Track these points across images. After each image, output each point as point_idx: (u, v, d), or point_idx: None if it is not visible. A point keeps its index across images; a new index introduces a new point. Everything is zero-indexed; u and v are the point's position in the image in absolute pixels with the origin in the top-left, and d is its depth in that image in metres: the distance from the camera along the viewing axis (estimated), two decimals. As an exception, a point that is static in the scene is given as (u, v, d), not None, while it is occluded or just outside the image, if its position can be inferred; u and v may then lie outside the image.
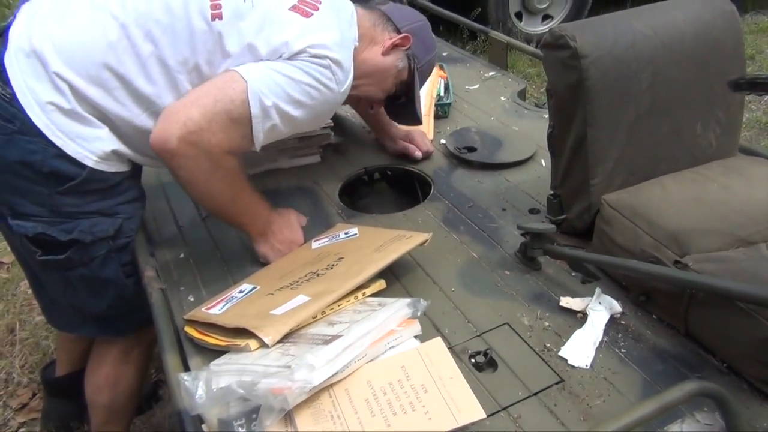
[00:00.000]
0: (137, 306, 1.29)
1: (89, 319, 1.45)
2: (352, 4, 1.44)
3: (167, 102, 1.25)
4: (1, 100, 1.21)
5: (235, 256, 1.40)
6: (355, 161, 1.76)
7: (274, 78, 1.22)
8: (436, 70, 1.99)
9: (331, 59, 1.25)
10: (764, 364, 1.00)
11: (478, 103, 2.02)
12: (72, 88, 1.21)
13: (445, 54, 2.39)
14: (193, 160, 1.19)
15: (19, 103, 1.20)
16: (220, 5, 1.23)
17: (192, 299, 1.28)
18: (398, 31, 1.48)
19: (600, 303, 1.18)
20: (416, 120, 1.60)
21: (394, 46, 1.46)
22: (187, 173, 1.21)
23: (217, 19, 1.22)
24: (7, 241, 1.51)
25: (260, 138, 1.25)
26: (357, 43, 1.39)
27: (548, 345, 1.12)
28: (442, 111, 1.94)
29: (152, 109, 1.25)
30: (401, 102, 1.56)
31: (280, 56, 1.23)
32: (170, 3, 1.23)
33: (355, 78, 1.35)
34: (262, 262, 1.36)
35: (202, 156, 1.18)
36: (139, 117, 1.26)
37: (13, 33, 1.24)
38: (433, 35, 1.60)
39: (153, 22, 1.22)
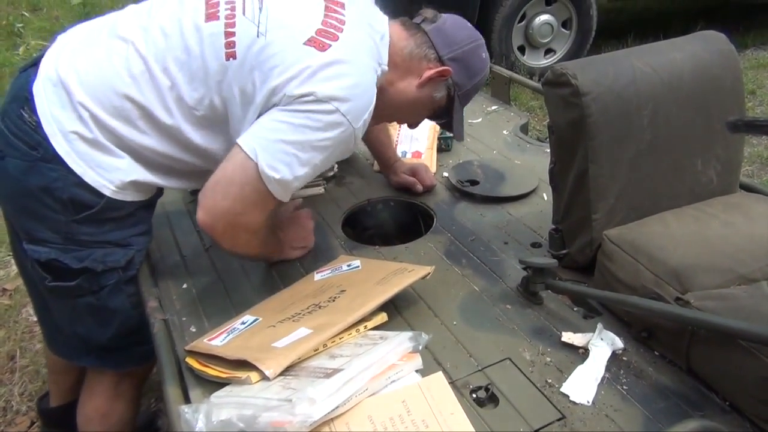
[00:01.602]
0: (141, 339, 1.29)
1: (92, 349, 1.45)
2: (386, 25, 1.33)
3: (187, 133, 1.26)
4: (27, 127, 1.24)
5: (237, 287, 1.41)
6: (359, 193, 1.77)
7: (281, 148, 1.17)
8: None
9: (338, 107, 1.17)
10: (766, 402, 1.00)
11: (481, 137, 2.04)
12: (94, 118, 1.23)
13: (448, 87, 2.42)
14: (235, 237, 1.27)
15: (43, 131, 1.22)
16: (234, 43, 1.21)
17: (194, 330, 1.28)
18: (440, 59, 1.37)
19: (602, 339, 1.18)
20: (455, 135, 1.52)
21: (431, 79, 1.37)
22: (230, 244, 1.29)
23: (231, 59, 1.21)
24: (18, 265, 1.52)
25: (288, 197, 1.25)
26: (386, 68, 1.30)
27: (550, 381, 1.12)
28: (445, 144, 1.96)
29: (175, 136, 1.27)
30: (441, 122, 1.51)
31: (287, 102, 1.18)
32: (188, 41, 1.23)
33: (387, 108, 1.31)
34: (263, 294, 1.36)
35: (242, 231, 1.27)
36: (162, 144, 1.28)
37: (44, 62, 1.27)
38: (485, 54, 1.47)
39: (171, 58, 1.23)
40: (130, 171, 1.28)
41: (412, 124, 1.54)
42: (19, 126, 1.25)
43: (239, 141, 1.20)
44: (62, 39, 1.33)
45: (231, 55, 1.21)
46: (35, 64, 1.29)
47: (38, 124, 1.23)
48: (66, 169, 1.23)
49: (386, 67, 1.31)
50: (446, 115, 1.47)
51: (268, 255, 1.45)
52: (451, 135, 1.96)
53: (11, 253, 1.58)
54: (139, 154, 1.28)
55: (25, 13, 5.57)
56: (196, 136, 1.28)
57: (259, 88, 1.20)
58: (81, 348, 1.47)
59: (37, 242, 1.30)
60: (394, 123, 1.94)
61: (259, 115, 1.21)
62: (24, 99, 1.25)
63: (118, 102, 1.23)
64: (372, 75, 1.26)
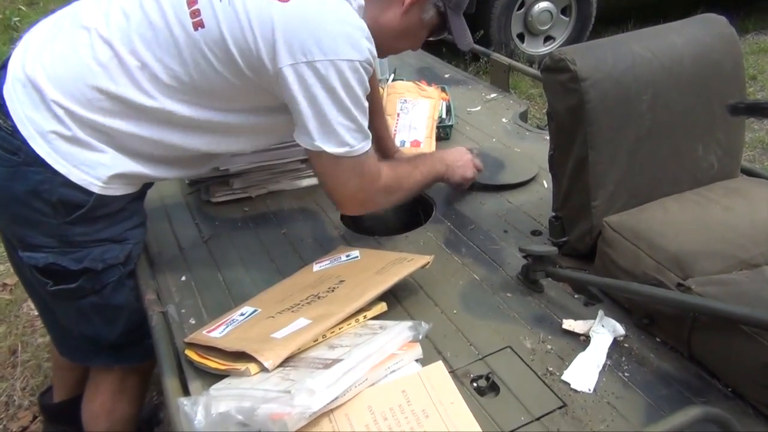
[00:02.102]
0: (149, 332, 1.28)
1: (102, 348, 1.44)
2: None
3: (170, 107, 1.23)
4: (3, 132, 1.21)
5: (236, 278, 1.40)
6: (357, 183, 1.75)
7: (330, 126, 1.21)
8: (438, 93, 2.00)
9: (333, 57, 1.16)
10: (769, 388, 0.99)
11: (480, 125, 2.03)
12: (70, 114, 1.20)
13: (447, 76, 2.41)
14: (378, 203, 1.40)
15: (20, 134, 1.20)
16: (198, 11, 1.18)
17: (193, 322, 1.27)
18: None
19: (603, 326, 1.17)
20: (459, 44, 1.44)
21: (414, 3, 1.31)
22: (383, 205, 1.45)
23: (200, 28, 1.18)
24: (17, 274, 1.50)
25: (371, 140, 1.29)
26: (362, 2, 1.26)
27: (551, 369, 1.11)
28: (444, 133, 1.94)
29: (157, 117, 1.24)
30: (442, 37, 1.45)
31: (284, 78, 1.18)
32: (151, 17, 1.20)
33: (379, 44, 1.25)
34: (262, 286, 1.36)
35: (378, 196, 1.37)
36: (144, 129, 1.25)
37: (11, 64, 1.24)
38: None
39: (137, 38, 1.20)
40: (114, 165, 1.25)
41: (413, 49, 1.50)
42: None
43: (304, 145, 1.26)
44: (27, 37, 1.30)
45: (198, 24, 1.18)
46: (3, 67, 1.26)
47: (14, 128, 1.20)
48: (50, 170, 1.21)
49: (362, 1, 1.27)
50: (443, 29, 1.41)
51: (434, 180, 1.53)
52: (450, 124, 1.95)
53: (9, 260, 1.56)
54: (122, 146, 1.26)
55: (22, 7, 5.54)
56: (178, 112, 1.24)
57: (235, 54, 1.18)
58: (91, 349, 1.46)
59: (33, 248, 1.28)
60: (392, 113, 1.93)
61: (255, 84, 1.22)
62: None
63: (91, 94, 1.20)
64: (344, 6, 1.22)
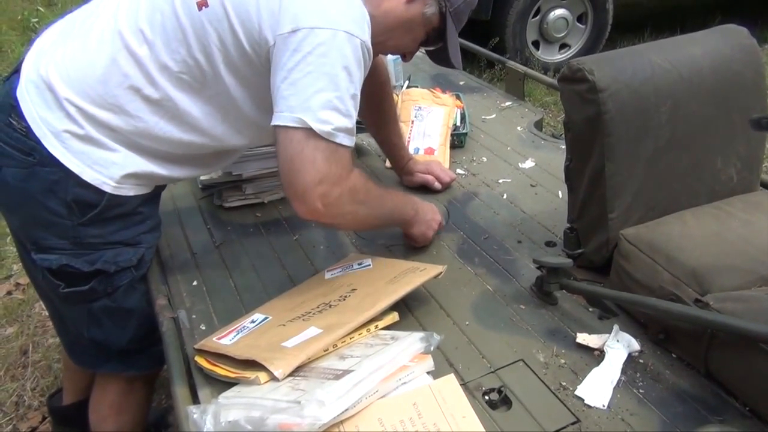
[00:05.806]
0: (159, 338, 1.27)
1: (112, 354, 1.44)
2: None
3: (178, 101, 1.23)
4: (17, 134, 1.22)
5: (247, 284, 1.40)
6: (370, 190, 1.74)
7: (317, 99, 1.12)
8: (452, 100, 1.99)
9: (333, 26, 1.13)
10: (789, 409, 0.97)
11: (495, 133, 2.01)
12: (82, 112, 1.21)
13: (462, 83, 2.39)
14: (343, 210, 1.22)
15: (34, 135, 1.21)
16: None
17: (204, 328, 1.27)
18: None
19: (618, 340, 1.16)
20: (453, 65, 1.43)
21: None
22: (349, 221, 1.30)
23: (204, 8, 1.17)
24: (29, 276, 1.50)
25: (354, 136, 1.19)
26: None
27: (564, 383, 1.09)
28: (458, 141, 1.93)
29: (167, 112, 1.24)
30: (437, 48, 1.42)
31: (282, 47, 1.14)
32: (157, 2, 1.20)
33: (378, 34, 1.23)
34: (273, 292, 1.35)
35: (346, 201, 1.20)
36: (157, 125, 1.25)
37: (24, 66, 1.25)
38: None
39: (145, 24, 1.20)
40: (126, 164, 1.26)
41: (407, 55, 1.45)
42: (10, 134, 1.23)
43: (276, 123, 1.14)
44: (39, 41, 1.31)
45: (202, 4, 1.18)
46: (17, 71, 1.27)
47: (28, 129, 1.21)
48: (64, 170, 1.22)
49: None
50: (440, 39, 1.37)
51: (399, 219, 1.41)
52: (465, 132, 1.94)
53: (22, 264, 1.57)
54: (134, 144, 1.26)
55: (40, 8, 5.60)
56: (188, 104, 1.24)
57: (237, 27, 1.16)
58: (100, 355, 1.45)
59: (46, 250, 1.28)
60: (406, 120, 1.92)
61: (253, 66, 1.19)
62: (10, 107, 1.22)
63: (102, 90, 1.21)
64: None
